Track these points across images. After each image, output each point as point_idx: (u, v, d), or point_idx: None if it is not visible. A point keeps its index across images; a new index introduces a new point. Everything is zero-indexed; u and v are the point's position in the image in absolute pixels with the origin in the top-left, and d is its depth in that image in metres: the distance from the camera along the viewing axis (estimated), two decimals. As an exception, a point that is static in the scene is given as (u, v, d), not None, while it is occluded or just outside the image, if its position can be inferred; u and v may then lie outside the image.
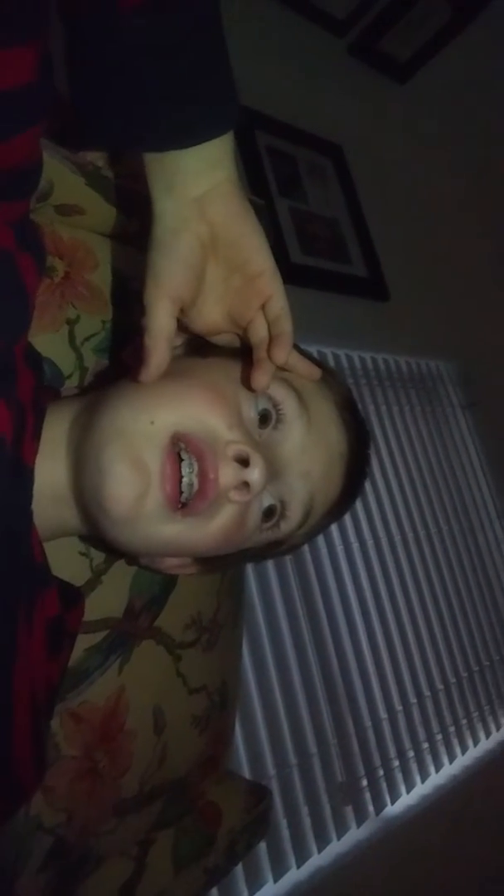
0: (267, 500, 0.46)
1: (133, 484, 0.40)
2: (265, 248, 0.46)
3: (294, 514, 0.47)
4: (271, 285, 0.46)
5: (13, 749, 0.38)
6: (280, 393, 0.46)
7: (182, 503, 0.41)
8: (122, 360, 0.51)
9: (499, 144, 1.98)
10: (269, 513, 0.46)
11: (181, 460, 0.41)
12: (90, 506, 0.42)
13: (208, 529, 0.43)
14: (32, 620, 0.41)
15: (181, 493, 0.41)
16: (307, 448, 0.47)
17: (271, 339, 0.47)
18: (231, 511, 0.43)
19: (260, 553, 0.52)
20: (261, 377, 0.45)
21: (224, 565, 0.59)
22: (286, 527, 0.47)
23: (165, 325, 0.44)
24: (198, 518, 0.42)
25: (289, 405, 0.46)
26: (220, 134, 0.42)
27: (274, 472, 0.45)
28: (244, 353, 0.49)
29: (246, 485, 0.42)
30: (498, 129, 1.95)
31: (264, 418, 0.46)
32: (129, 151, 0.42)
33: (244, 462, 0.42)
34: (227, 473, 0.41)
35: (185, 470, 0.41)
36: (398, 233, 1.79)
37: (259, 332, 0.48)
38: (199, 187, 0.42)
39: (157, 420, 0.41)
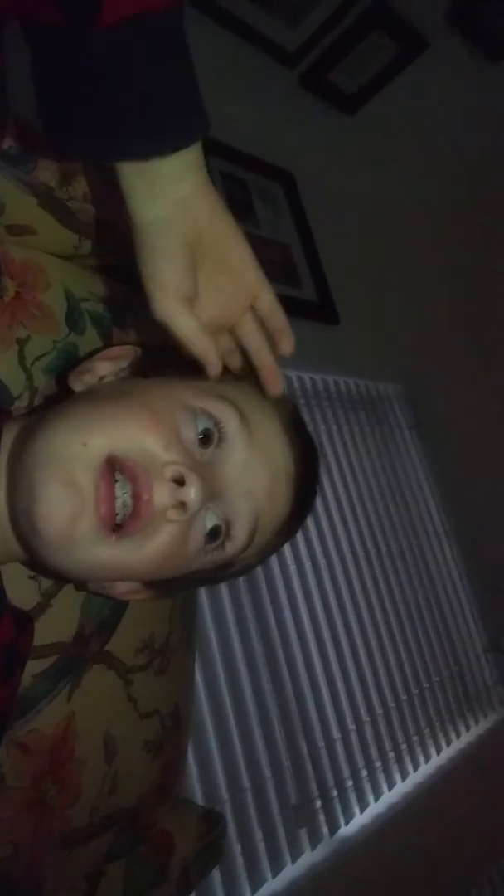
0: (211, 521, 0.45)
1: (65, 504, 0.39)
2: (247, 245, 0.47)
3: (239, 534, 0.46)
4: (258, 282, 0.48)
5: None
6: (220, 410, 0.45)
7: (117, 525, 0.40)
8: (67, 382, 0.50)
9: (442, 174, 2.06)
10: (213, 533, 0.45)
11: (116, 482, 0.40)
12: (24, 529, 0.41)
13: (145, 551, 0.42)
14: None
15: (116, 514, 0.40)
16: (249, 466, 0.46)
17: (273, 336, 0.49)
18: (170, 531, 0.42)
19: (211, 576, 0.51)
20: (273, 381, 0.49)
21: (175, 589, 0.58)
22: (232, 548, 0.46)
23: (194, 325, 0.45)
24: (133, 539, 0.41)
25: (230, 423, 0.45)
26: (198, 139, 0.41)
27: (216, 492, 0.44)
28: (191, 371, 0.49)
29: (183, 504, 0.41)
30: (441, 159, 2.04)
31: (207, 437, 0.45)
32: (108, 162, 0.41)
33: (181, 482, 0.41)
34: (161, 493, 0.41)
35: (118, 491, 0.40)
36: (347, 258, 1.84)
37: (254, 338, 0.50)
38: (180, 190, 0.42)
39: (89, 442, 0.41)
